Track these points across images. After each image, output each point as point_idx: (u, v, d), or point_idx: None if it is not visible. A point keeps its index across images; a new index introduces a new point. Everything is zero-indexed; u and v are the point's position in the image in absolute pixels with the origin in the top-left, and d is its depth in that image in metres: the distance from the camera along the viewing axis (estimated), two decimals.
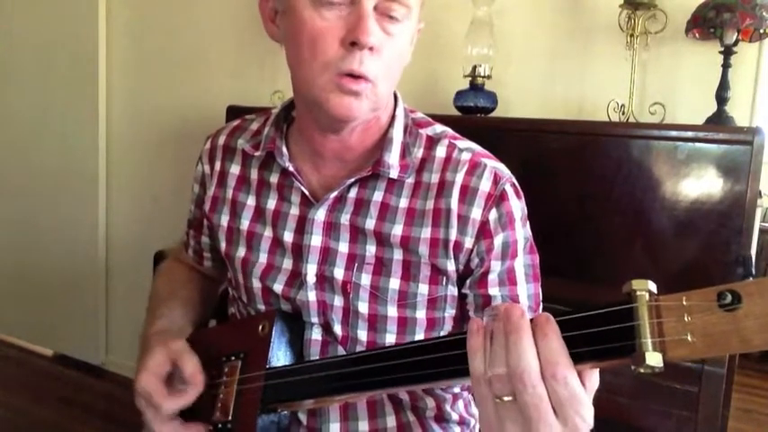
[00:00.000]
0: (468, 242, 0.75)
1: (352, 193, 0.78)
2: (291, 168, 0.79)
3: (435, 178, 0.76)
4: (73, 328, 2.67)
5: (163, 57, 2.41)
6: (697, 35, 1.49)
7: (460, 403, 0.86)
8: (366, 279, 0.76)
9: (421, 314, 0.76)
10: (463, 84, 1.70)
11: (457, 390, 0.85)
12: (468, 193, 0.75)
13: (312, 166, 0.81)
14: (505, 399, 0.46)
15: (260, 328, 0.76)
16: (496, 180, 0.75)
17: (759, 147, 1.31)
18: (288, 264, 0.80)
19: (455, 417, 0.85)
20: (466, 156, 0.77)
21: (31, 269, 2.75)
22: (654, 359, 0.42)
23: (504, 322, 0.47)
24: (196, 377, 0.74)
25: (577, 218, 1.50)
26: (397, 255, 0.76)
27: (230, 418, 0.73)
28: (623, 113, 1.59)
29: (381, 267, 0.76)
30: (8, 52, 2.70)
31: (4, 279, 2.84)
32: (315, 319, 0.78)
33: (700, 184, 1.37)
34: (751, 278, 0.40)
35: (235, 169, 0.86)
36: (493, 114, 1.70)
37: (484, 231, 0.75)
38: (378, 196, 0.77)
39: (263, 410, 0.70)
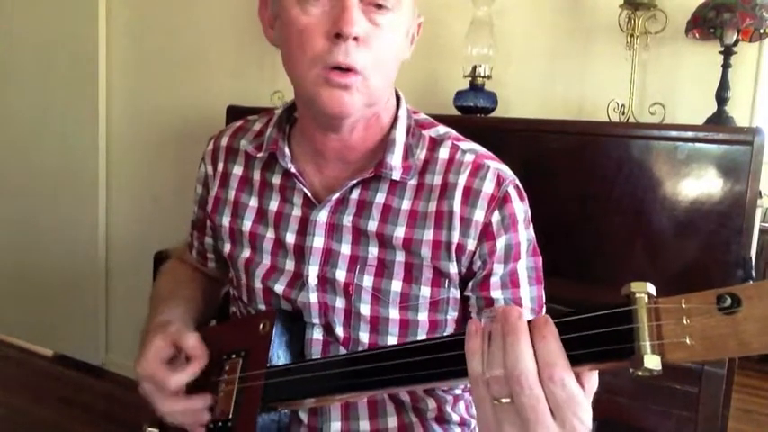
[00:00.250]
0: (471, 244, 0.74)
1: (355, 195, 0.78)
2: (294, 170, 0.79)
3: (438, 180, 0.76)
4: (73, 328, 2.67)
5: (163, 57, 2.41)
6: (697, 35, 1.49)
7: (461, 404, 0.86)
8: (368, 281, 0.76)
9: (423, 316, 0.76)
10: (463, 84, 1.70)
11: (458, 391, 0.85)
12: (470, 195, 0.75)
13: (314, 167, 0.81)
14: (503, 400, 0.47)
15: (261, 326, 0.76)
16: (499, 182, 0.75)
17: (759, 147, 1.31)
18: (290, 265, 0.80)
19: (456, 418, 0.85)
20: (469, 157, 0.77)
21: (31, 269, 2.75)
22: (652, 362, 0.42)
23: (501, 324, 0.48)
24: (197, 349, 0.75)
25: (577, 218, 1.50)
26: (399, 257, 0.76)
27: (231, 416, 0.73)
28: (623, 113, 1.59)
29: (383, 269, 0.76)
30: (8, 52, 2.70)
31: (4, 279, 2.84)
32: (316, 320, 0.78)
33: (700, 185, 1.37)
34: (750, 281, 0.40)
35: (237, 170, 0.86)
36: (493, 114, 1.70)
37: (486, 234, 0.74)
38: (380, 198, 0.77)
39: (263, 409, 0.71)
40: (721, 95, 1.45)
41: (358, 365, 0.61)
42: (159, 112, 2.44)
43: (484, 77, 1.68)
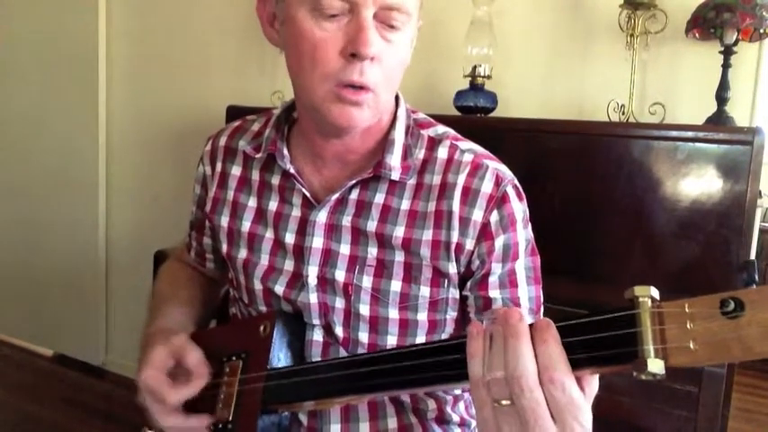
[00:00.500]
0: (470, 244, 0.75)
1: (354, 195, 0.78)
2: (292, 170, 0.79)
3: (437, 180, 0.76)
4: (73, 328, 2.67)
5: (163, 57, 2.41)
6: (697, 35, 1.49)
7: (461, 405, 0.86)
8: (367, 281, 0.76)
9: (422, 316, 0.76)
10: (463, 84, 1.70)
11: (458, 391, 0.85)
12: (469, 195, 0.75)
13: (313, 167, 0.81)
14: (504, 403, 0.47)
15: (261, 328, 0.76)
16: (498, 182, 0.75)
17: (759, 147, 1.31)
18: (289, 265, 0.80)
19: (456, 418, 0.85)
20: (468, 157, 0.77)
21: (31, 269, 2.75)
22: (656, 366, 0.42)
23: (502, 326, 0.48)
24: (200, 368, 0.74)
25: (577, 218, 1.50)
26: (399, 257, 0.76)
27: (231, 418, 0.73)
28: (623, 113, 1.59)
29: (383, 269, 0.76)
30: (8, 52, 2.70)
31: (4, 279, 2.84)
32: (316, 321, 0.78)
33: (700, 185, 1.37)
34: (754, 284, 0.40)
35: (236, 170, 0.86)
36: (493, 114, 1.70)
37: (485, 233, 0.74)
38: (379, 198, 0.77)
39: (263, 411, 0.70)
40: (721, 95, 1.45)
41: (359, 368, 0.61)
42: (159, 113, 2.44)
43: (484, 77, 1.68)
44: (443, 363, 0.54)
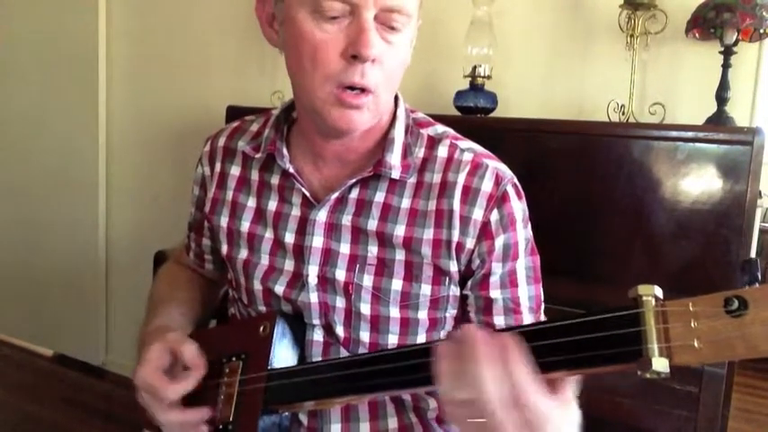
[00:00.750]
0: (470, 243, 0.75)
1: (354, 194, 0.78)
2: (292, 170, 0.79)
3: (437, 178, 0.76)
4: (73, 328, 2.67)
5: (163, 57, 2.41)
6: (697, 35, 1.49)
7: None
8: (368, 280, 0.76)
9: (423, 314, 0.77)
10: (463, 84, 1.70)
11: None
12: (469, 194, 0.75)
13: (313, 167, 0.81)
14: (474, 420, 0.48)
15: (261, 328, 0.76)
16: (498, 181, 0.75)
17: (759, 147, 1.31)
18: (289, 265, 0.80)
19: None
20: (468, 156, 0.77)
21: (31, 269, 2.75)
22: (660, 365, 0.42)
23: (465, 350, 0.48)
24: (196, 361, 0.74)
25: (578, 218, 1.50)
26: (400, 255, 0.76)
27: (231, 419, 0.73)
28: (623, 113, 1.59)
29: (383, 268, 0.76)
30: (8, 52, 2.69)
31: (4, 279, 2.84)
32: (316, 321, 0.78)
33: (700, 185, 1.37)
34: (757, 283, 0.40)
35: (235, 171, 0.86)
36: (493, 114, 1.70)
37: (485, 232, 0.75)
38: (379, 197, 0.77)
39: (264, 411, 0.70)
40: (721, 95, 1.45)
41: (359, 369, 0.61)
42: (159, 113, 2.44)
43: (484, 77, 1.68)
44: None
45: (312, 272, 0.78)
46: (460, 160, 0.77)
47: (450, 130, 0.82)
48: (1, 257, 2.83)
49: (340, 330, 0.77)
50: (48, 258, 2.69)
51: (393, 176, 0.76)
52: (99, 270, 2.60)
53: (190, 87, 2.36)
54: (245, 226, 0.83)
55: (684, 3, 1.50)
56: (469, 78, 1.69)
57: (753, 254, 1.44)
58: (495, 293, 0.76)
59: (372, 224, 0.76)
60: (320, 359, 0.78)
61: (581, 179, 1.50)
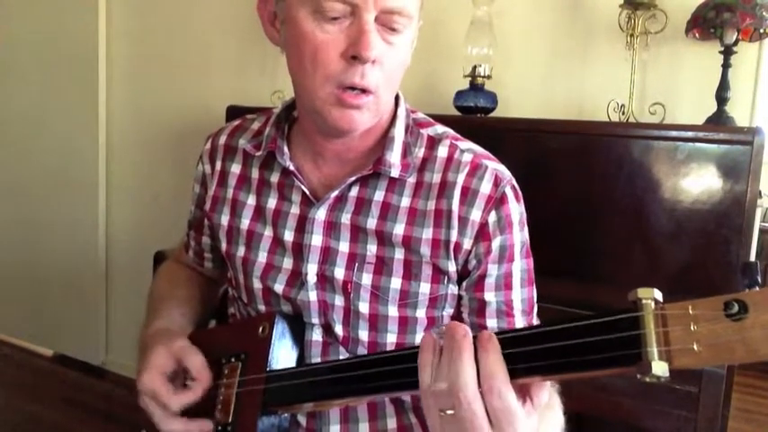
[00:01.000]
0: (467, 243, 0.75)
1: (353, 192, 0.78)
2: (292, 167, 0.79)
3: (437, 178, 0.76)
4: (73, 328, 2.67)
5: (163, 57, 2.41)
6: (697, 35, 1.49)
7: None
8: (367, 279, 0.76)
9: (421, 313, 0.77)
10: (463, 84, 1.70)
11: None
12: (468, 195, 0.75)
13: (313, 165, 0.81)
14: (448, 412, 0.49)
15: (260, 329, 0.76)
16: (497, 182, 0.75)
17: (759, 147, 1.31)
18: (288, 263, 0.80)
19: None
20: (467, 157, 0.77)
21: (31, 269, 2.75)
22: (660, 368, 0.42)
23: (447, 341, 0.50)
24: (203, 373, 0.74)
25: (577, 218, 1.50)
26: (399, 254, 0.76)
27: (230, 419, 0.73)
28: (623, 113, 1.58)
29: (382, 267, 0.76)
30: (8, 52, 2.70)
31: (4, 279, 2.84)
32: (315, 320, 0.78)
33: (700, 185, 1.37)
34: (757, 286, 0.39)
35: (236, 169, 0.86)
36: (493, 114, 1.70)
37: (482, 233, 0.75)
38: (379, 195, 0.77)
39: (263, 413, 0.70)
40: (721, 95, 1.45)
41: (357, 370, 0.61)
42: (159, 112, 2.44)
43: (484, 77, 1.68)
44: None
45: (311, 270, 0.78)
46: (460, 161, 0.77)
47: (451, 131, 0.82)
48: (1, 257, 2.83)
49: (339, 329, 0.77)
50: (48, 258, 2.69)
51: (392, 175, 0.76)
52: (99, 270, 2.60)
53: (190, 87, 2.36)
54: (245, 224, 0.83)
55: (684, 3, 1.50)
56: (469, 78, 1.69)
57: (753, 254, 1.43)
58: (489, 296, 0.76)
59: (372, 223, 0.76)
60: (319, 359, 0.78)
61: (581, 179, 1.50)
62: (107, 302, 2.64)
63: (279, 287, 0.80)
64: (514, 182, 0.78)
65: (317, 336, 0.79)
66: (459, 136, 0.82)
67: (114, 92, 2.52)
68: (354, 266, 0.77)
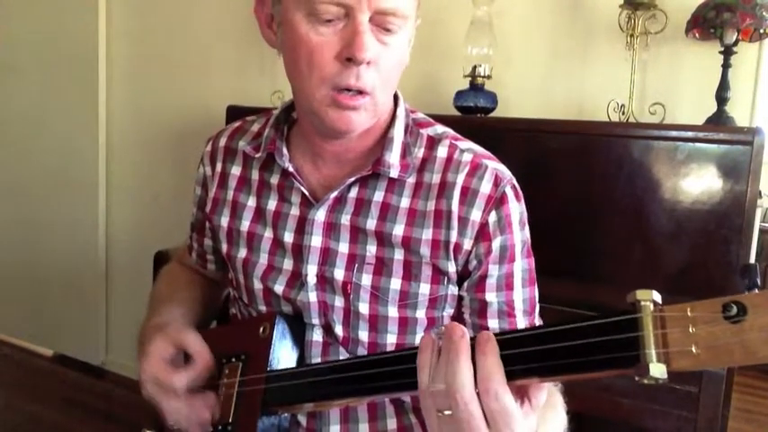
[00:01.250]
0: (468, 244, 0.75)
1: (353, 193, 0.78)
2: (291, 169, 0.79)
3: (436, 179, 0.76)
4: (73, 328, 2.67)
5: (163, 57, 2.41)
6: (697, 35, 1.49)
7: None
8: (366, 279, 0.76)
9: (421, 314, 0.77)
10: (463, 84, 1.70)
11: None
12: (468, 195, 0.75)
13: (312, 166, 0.81)
14: (445, 413, 0.49)
15: (261, 329, 0.76)
16: (497, 182, 0.75)
17: (759, 147, 1.31)
18: (288, 264, 0.80)
19: None
20: (467, 157, 0.77)
21: (31, 269, 2.75)
22: (658, 370, 0.42)
23: (445, 342, 0.50)
24: (200, 347, 0.76)
25: (577, 218, 1.50)
26: (398, 255, 0.76)
27: (231, 419, 0.73)
28: (623, 113, 1.58)
29: (382, 267, 0.76)
30: (8, 52, 2.70)
31: (4, 279, 2.84)
32: (316, 321, 0.78)
33: (700, 185, 1.37)
34: (756, 288, 0.39)
35: (236, 170, 0.86)
36: (493, 114, 1.70)
37: (483, 233, 0.75)
38: (378, 196, 0.77)
39: (263, 413, 0.70)
40: (721, 95, 1.45)
41: (357, 371, 0.61)
42: (159, 113, 2.44)
43: (484, 77, 1.68)
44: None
45: (311, 271, 0.78)
46: (460, 161, 0.77)
47: (450, 131, 0.82)
48: (1, 257, 2.83)
49: (339, 330, 0.77)
50: (48, 258, 2.69)
51: (392, 175, 0.76)
52: (99, 270, 2.60)
53: (190, 87, 2.36)
54: (245, 225, 0.83)
55: (684, 3, 1.50)
56: (469, 78, 1.69)
57: (753, 254, 1.43)
58: (490, 296, 0.76)
59: (371, 223, 0.76)
60: (320, 360, 0.79)
61: (581, 179, 1.50)
62: (107, 302, 2.64)
63: (279, 288, 0.80)
64: (515, 181, 0.78)
65: (317, 336, 0.79)
66: (459, 136, 0.82)
67: (114, 92, 2.52)
68: (354, 267, 0.77)
